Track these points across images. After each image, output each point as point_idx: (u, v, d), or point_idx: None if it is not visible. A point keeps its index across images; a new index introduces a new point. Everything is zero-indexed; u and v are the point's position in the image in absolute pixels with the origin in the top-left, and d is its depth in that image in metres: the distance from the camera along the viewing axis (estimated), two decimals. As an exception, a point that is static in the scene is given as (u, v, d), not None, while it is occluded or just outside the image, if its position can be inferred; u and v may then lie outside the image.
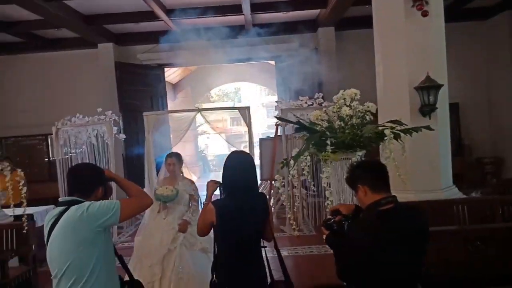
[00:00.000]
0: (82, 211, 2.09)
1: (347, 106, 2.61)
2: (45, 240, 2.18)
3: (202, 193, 3.63)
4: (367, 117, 2.69)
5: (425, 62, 4.13)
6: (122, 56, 8.82)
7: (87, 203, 2.14)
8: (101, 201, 2.19)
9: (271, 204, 7.31)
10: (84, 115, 6.70)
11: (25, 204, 3.15)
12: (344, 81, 6.79)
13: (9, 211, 4.90)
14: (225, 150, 26.64)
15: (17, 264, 4.81)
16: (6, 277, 4.20)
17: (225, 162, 2.51)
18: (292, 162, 2.64)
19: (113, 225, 2.41)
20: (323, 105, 6.00)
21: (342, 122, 2.70)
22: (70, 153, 7.05)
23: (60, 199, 2.25)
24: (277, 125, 7.13)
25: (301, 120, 3.48)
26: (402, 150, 2.80)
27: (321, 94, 6.26)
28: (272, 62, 11.35)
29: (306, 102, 6.27)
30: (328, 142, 2.52)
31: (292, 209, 6.34)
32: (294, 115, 5.56)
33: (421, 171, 4.18)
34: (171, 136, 9.24)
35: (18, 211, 4.28)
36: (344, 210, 2.20)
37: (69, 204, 2.16)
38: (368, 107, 2.68)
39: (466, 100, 8.50)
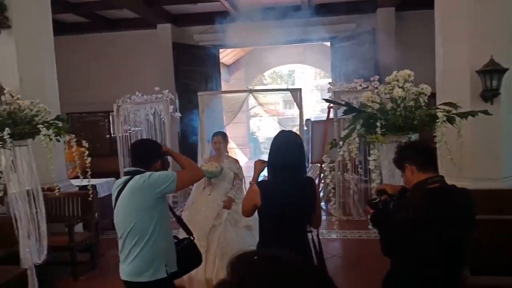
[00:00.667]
0: (144, 180, 2.37)
1: (399, 87, 2.55)
2: (113, 205, 2.53)
3: (249, 174, 3.72)
4: (421, 100, 2.61)
5: (489, 44, 3.88)
6: (179, 36, 9.05)
7: (148, 173, 2.42)
8: (160, 171, 2.47)
9: (320, 187, 7.29)
10: (143, 94, 7.00)
11: (89, 173, 3.39)
12: (402, 64, 6.53)
13: (76, 182, 5.30)
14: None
15: (81, 230, 5.23)
16: (72, 241, 4.58)
17: (272, 142, 2.44)
18: (341, 143, 2.64)
19: (170, 193, 2.65)
20: (378, 88, 5.84)
21: (394, 104, 2.64)
22: (129, 130, 7.43)
23: (125, 170, 2.60)
24: (329, 107, 7.05)
25: (353, 103, 3.44)
26: (458, 135, 2.69)
27: (377, 77, 6.09)
28: (328, 44, 11.15)
29: (360, 85, 6.13)
30: (378, 124, 2.49)
31: (339, 192, 6.29)
32: (342, 99, 5.46)
33: (481, 159, 4.00)
34: (223, 116, 9.46)
35: (82, 181, 4.62)
36: (390, 190, 2.23)
37: (132, 174, 2.44)
38: (422, 89, 2.59)
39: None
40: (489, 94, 3.85)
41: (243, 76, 14.89)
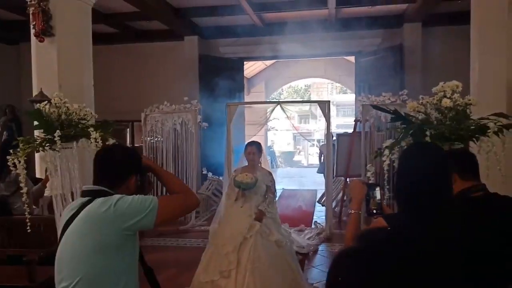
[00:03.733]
0: (109, 206, 1.62)
1: (447, 98, 2.58)
2: (58, 238, 1.74)
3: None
4: (468, 111, 2.64)
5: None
6: (206, 48, 9.21)
7: (116, 196, 1.67)
8: (134, 195, 1.71)
9: (344, 199, 7.28)
10: (171, 104, 7.13)
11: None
12: (429, 79, 6.60)
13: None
14: (290, 148, 26.90)
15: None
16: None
17: (401, 160, 1.78)
18: (387, 151, 2.66)
19: (146, 229, 1.71)
20: (406, 102, 5.86)
21: (440, 115, 2.66)
22: (153, 139, 7.53)
23: (84, 188, 1.81)
24: (355, 121, 7.10)
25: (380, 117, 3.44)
26: (502, 147, 2.70)
27: (405, 91, 6.12)
28: (349, 58, 11.25)
29: (389, 99, 6.15)
30: (428, 133, 2.51)
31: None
32: (370, 112, 5.45)
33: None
34: (245, 128, 9.60)
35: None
36: None
37: (94, 195, 1.69)
38: (469, 100, 2.62)
39: None
40: (527, 108, 3.85)
41: (263, 89, 15.04)
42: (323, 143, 9.78)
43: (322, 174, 9.01)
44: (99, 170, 1.79)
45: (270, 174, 4.35)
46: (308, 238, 5.98)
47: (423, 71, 7.84)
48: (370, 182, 1.97)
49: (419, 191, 1.65)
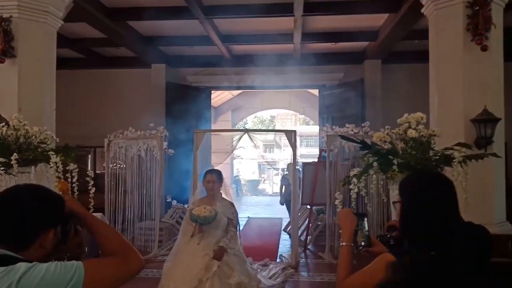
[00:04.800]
0: (10, 284, 1.11)
1: (413, 129, 2.68)
2: None
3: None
4: (432, 141, 2.75)
5: (482, 95, 4.16)
6: (173, 76, 9.19)
7: (22, 266, 1.15)
8: (50, 263, 1.17)
9: (310, 226, 7.29)
10: (136, 130, 6.98)
11: (92, 203, 3.34)
12: (387, 112, 6.89)
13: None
14: (255, 176, 26.92)
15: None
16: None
17: (410, 192, 1.63)
18: (355, 180, 2.71)
19: None
20: (369, 134, 6.04)
21: (405, 145, 2.76)
22: (116, 166, 7.30)
23: None
24: (321, 150, 7.22)
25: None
26: (465, 177, 2.81)
27: (367, 123, 6.32)
28: (313, 91, 11.58)
29: (352, 130, 6.33)
30: (395, 161, 2.58)
31: (329, 235, 6.27)
32: (334, 143, 5.61)
33: (475, 203, 4.11)
34: (211, 156, 9.58)
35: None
36: None
37: None
38: (434, 131, 2.74)
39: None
40: (483, 142, 4.06)
41: (229, 118, 15.12)
42: (283, 176, 9.86)
43: (284, 205, 9.02)
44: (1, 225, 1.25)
45: (232, 205, 3.98)
46: (273, 275, 5.75)
47: (382, 105, 8.16)
48: (358, 212, 1.79)
49: (432, 228, 1.56)
